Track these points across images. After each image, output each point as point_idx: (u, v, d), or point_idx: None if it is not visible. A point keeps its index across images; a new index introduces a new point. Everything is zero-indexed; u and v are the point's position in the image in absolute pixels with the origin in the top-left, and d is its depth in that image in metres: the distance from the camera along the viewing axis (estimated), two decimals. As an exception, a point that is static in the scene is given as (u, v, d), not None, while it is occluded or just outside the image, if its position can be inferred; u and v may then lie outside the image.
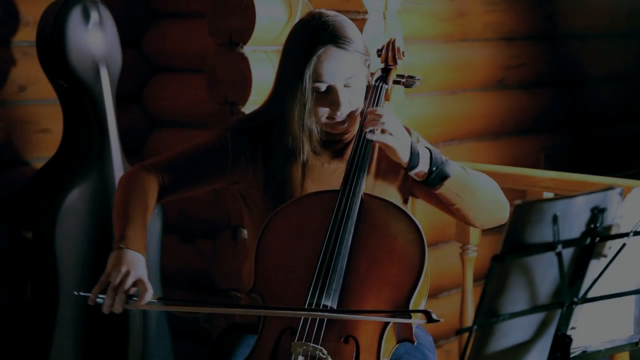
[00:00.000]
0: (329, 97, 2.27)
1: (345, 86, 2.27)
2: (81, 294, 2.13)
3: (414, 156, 2.23)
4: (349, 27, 2.29)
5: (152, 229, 3.16)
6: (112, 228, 2.23)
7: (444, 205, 2.34)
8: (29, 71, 3.27)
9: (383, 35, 3.10)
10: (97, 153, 3.02)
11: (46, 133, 3.33)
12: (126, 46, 3.18)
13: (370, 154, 2.29)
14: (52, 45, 2.96)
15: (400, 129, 2.24)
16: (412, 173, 2.26)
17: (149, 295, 2.11)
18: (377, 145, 2.34)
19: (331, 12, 2.32)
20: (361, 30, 3.03)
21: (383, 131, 2.20)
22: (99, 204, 3.00)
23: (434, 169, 2.24)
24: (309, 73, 2.24)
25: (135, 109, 3.69)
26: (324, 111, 2.29)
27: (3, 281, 3.13)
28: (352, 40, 2.27)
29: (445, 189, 2.27)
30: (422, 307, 2.17)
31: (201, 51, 3.36)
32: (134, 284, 2.11)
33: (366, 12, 3.07)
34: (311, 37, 2.25)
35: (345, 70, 2.26)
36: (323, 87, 2.26)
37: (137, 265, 2.13)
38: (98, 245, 3.00)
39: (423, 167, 2.24)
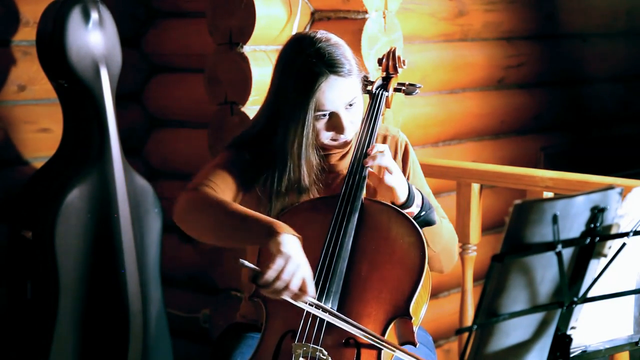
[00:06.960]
0: (332, 121, 2.27)
1: (346, 108, 2.27)
2: (245, 264, 2.02)
3: (410, 196, 2.23)
4: (343, 50, 2.27)
5: (152, 228, 3.16)
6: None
7: None
8: (29, 71, 3.27)
9: (383, 35, 3.10)
10: (97, 153, 3.01)
11: (46, 133, 3.33)
12: (126, 46, 3.18)
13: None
14: (52, 45, 2.96)
15: (398, 168, 2.23)
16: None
17: (308, 299, 2.04)
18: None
19: (322, 35, 2.29)
20: (361, 30, 3.04)
21: (382, 169, 2.19)
22: (99, 204, 3.00)
23: (422, 213, 2.25)
24: (312, 106, 2.22)
25: (135, 109, 3.69)
26: (328, 135, 2.29)
27: (3, 281, 3.13)
28: (349, 64, 2.25)
29: None
30: (424, 310, 2.18)
31: (201, 51, 3.36)
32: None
33: (366, 12, 3.07)
34: (309, 69, 2.22)
35: (346, 96, 2.25)
36: (326, 114, 2.25)
37: (304, 260, 2.03)
38: (98, 245, 3.00)
39: (414, 208, 2.24)
